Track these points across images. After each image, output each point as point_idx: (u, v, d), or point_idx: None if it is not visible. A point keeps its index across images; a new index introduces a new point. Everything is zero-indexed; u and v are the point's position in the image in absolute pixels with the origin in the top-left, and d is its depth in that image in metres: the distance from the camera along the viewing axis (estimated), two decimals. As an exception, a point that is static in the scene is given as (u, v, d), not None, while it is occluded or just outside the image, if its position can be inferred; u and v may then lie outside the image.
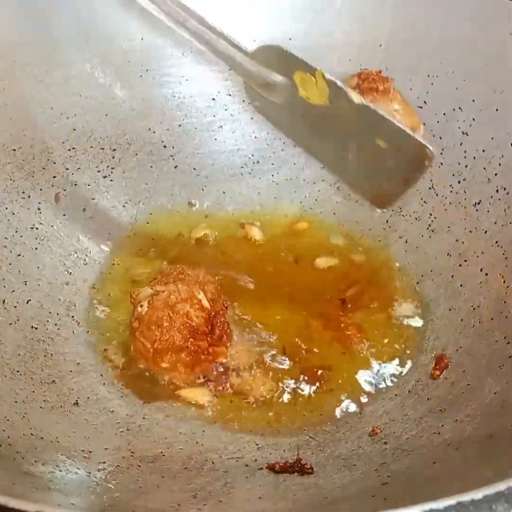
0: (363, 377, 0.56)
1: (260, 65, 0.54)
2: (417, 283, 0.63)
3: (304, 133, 0.57)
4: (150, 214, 0.70)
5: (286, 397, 0.55)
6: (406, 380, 0.56)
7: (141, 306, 0.54)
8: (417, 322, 0.60)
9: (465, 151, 0.63)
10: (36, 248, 0.61)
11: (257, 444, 0.51)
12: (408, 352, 0.58)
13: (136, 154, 0.70)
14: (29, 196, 0.62)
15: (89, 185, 0.68)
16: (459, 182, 0.63)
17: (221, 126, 0.72)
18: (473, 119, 0.62)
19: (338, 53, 0.68)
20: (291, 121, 0.57)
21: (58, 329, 0.58)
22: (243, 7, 0.69)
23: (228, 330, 0.56)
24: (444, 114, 0.64)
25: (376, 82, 0.60)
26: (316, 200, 0.72)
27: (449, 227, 0.63)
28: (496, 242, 0.58)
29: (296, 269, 0.66)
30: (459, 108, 0.63)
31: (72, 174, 0.66)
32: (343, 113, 0.52)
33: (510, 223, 0.57)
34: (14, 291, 0.57)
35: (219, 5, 0.69)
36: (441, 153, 0.64)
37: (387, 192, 0.54)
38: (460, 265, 0.61)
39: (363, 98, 0.51)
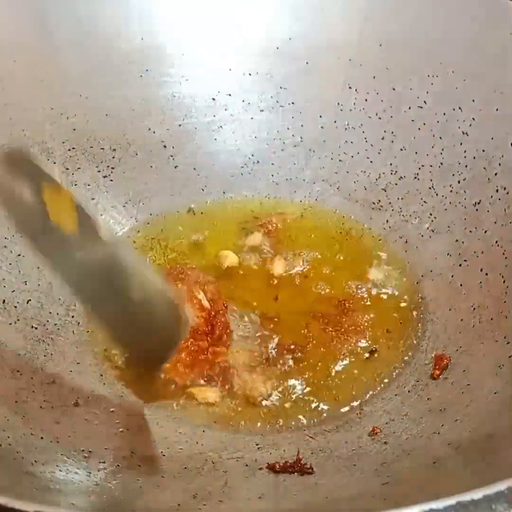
0: (363, 377, 0.56)
1: (6, 171, 0.42)
2: (417, 283, 0.63)
3: (67, 270, 0.46)
4: (150, 214, 0.70)
5: (286, 397, 0.55)
6: (406, 380, 0.56)
7: None
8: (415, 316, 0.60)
9: (465, 151, 0.63)
10: (36, 248, 0.61)
11: (257, 444, 0.51)
12: (408, 352, 0.58)
13: (136, 154, 0.70)
14: (29, 196, 0.62)
15: (89, 185, 0.68)
16: (459, 182, 0.63)
17: (221, 126, 0.72)
18: (473, 119, 0.62)
19: (338, 53, 0.68)
20: (51, 249, 0.45)
21: (58, 329, 0.58)
22: (244, 7, 0.69)
23: (228, 330, 0.56)
24: (444, 114, 0.64)
25: None
26: (316, 200, 0.72)
27: (449, 227, 0.63)
28: (496, 242, 0.58)
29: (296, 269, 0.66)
30: (459, 108, 0.63)
31: (72, 174, 0.66)
32: (95, 250, 0.43)
33: (510, 223, 0.57)
34: (14, 291, 0.57)
35: (220, 5, 0.69)
36: (441, 153, 0.64)
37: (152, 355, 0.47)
38: (460, 265, 0.61)
39: (113, 235, 0.43)
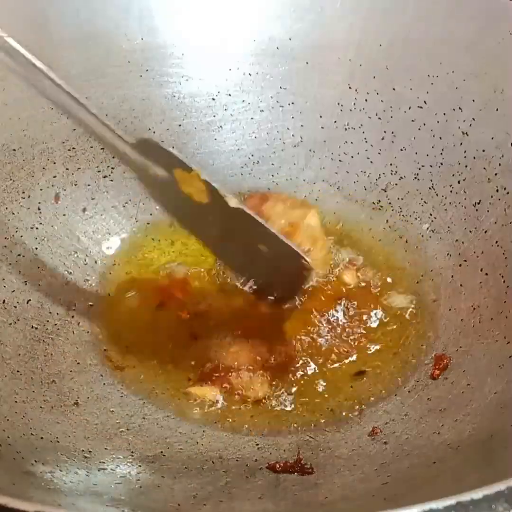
0: (364, 377, 0.56)
1: (142, 156, 0.51)
2: (417, 282, 0.63)
3: (197, 225, 0.56)
4: (150, 214, 0.70)
5: (286, 397, 0.55)
6: (406, 380, 0.56)
7: None
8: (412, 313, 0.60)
9: (465, 151, 0.63)
10: (36, 248, 0.61)
11: (257, 444, 0.51)
12: (409, 352, 0.58)
13: (136, 154, 0.70)
14: (29, 196, 0.62)
15: (89, 185, 0.68)
16: (459, 182, 0.63)
17: (221, 126, 0.72)
18: (473, 119, 0.62)
19: (338, 53, 0.68)
20: (181, 212, 0.55)
21: (58, 329, 0.58)
22: (243, 7, 0.69)
23: None
24: (444, 114, 0.64)
25: None
26: (316, 200, 0.72)
27: (449, 227, 0.63)
28: (496, 242, 0.58)
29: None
30: (459, 108, 0.63)
31: (72, 174, 0.66)
32: (224, 213, 0.52)
33: (510, 223, 0.57)
34: (14, 291, 0.57)
35: (220, 4, 0.69)
36: (441, 153, 0.64)
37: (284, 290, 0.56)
38: (460, 265, 0.61)
39: (241, 203, 0.51)
